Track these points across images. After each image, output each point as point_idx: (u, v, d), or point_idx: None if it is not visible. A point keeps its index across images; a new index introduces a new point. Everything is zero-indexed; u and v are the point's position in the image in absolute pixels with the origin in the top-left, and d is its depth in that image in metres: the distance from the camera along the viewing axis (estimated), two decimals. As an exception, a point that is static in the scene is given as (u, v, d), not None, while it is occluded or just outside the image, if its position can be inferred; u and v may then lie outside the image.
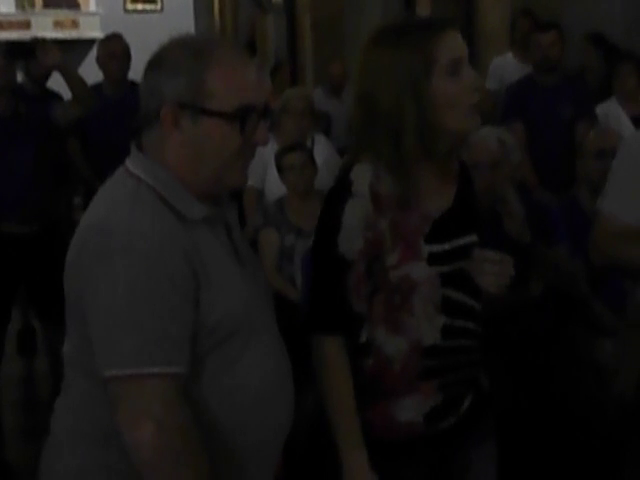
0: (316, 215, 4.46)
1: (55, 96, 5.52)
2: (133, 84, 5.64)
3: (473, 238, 2.15)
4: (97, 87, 5.50)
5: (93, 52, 12.13)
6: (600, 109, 5.23)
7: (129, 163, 1.84)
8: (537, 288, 3.35)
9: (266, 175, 4.85)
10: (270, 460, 1.93)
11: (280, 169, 4.44)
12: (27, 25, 13.20)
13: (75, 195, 6.26)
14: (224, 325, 1.78)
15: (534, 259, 3.32)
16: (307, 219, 4.27)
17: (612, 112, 5.17)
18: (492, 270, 2.03)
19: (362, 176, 2.05)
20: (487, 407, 2.25)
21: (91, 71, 6.11)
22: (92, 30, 13.68)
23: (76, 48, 12.89)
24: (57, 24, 13.84)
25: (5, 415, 4.70)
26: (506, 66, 6.33)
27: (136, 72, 5.78)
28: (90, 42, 13.21)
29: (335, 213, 2.05)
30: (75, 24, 14.14)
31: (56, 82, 5.46)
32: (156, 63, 1.81)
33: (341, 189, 2.08)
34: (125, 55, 5.58)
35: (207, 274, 1.76)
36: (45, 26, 13.28)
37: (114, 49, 5.56)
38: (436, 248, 2.08)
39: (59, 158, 5.12)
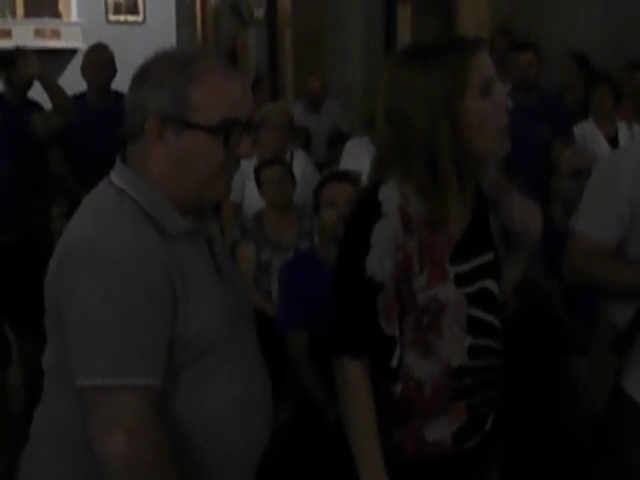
0: (293, 229, 4.47)
1: (35, 105, 5.50)
2: (117, 94, 5.65)
3: (490, 257, 2.16)
4: (81, 96, 5.52)
5: (74, 62, 12.11)
6: (577, 129, 5.29)
7: (113, 175, 1.85)
8: (512, 306, 3.37)
9: (245, 189, 4.86)
10: (246, 475, 1.94)
11: (259, 182, 4.46)
12: (8, 34, 13.14)
13: (54, 205, 6.23)
14: (201, 339, 1.78)
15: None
16: (284, 233, 4.29)
17: (589, 132, 5.23)
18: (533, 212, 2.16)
19: (391, 197, 2.03)
20: (503, 426, 2.25)
21: (72, 81, 6.13)
22: (73, 40, 13.65)
23: (57, 58, 12.86)
24: (38, 33, 13.78)
25: (-22, 425, 4.68)
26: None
27: (117, 83, 5.80)
28: (71, 52, 13.21)
29: (363, 235, 2.02)
30: (56, 34, 14.08)
31: (38, 93, 5.46)
32: (141, 77, 1.82)
33: (369, 210, 2.05)
34: (107, 64, 5.59)
35: (186, 288, 1.76)
36: (26, 35, 13.23)
37: (96, 58, 5.58)
38: (460, 269, 2.08)
39: (38, 168, 5.11)
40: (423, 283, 2.03)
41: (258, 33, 11.97)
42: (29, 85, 5.51)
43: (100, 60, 5.57)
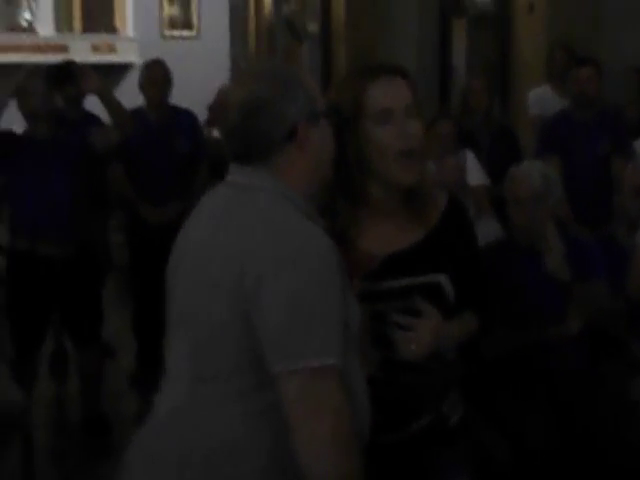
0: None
1: (93, 118, 5.57)
2: (175, 109, 5.72)
3: (434, 278, 2.18)
4: (139, 111, 5.56)
5: (130, 77, 12.21)
6: (638, 144, 5.21)
7: (254, 181, 1.91)
8: (576, 325, 3.32)
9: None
10: None
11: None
12: (65, 49, 13.27)
13: (110, 218, 6.30)
14: (350, 327, 1.87)
15: (574, 296, 3.30)
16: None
17: (649, 148, 5.15)
18: (405, 337, 2.09)
19: None
20: (451, 441, 2.26)
21: (128, 95, 6.17)
22: (129, 55, 13.75)
23: (113, 72, 13.00)
24: (95, 48, 13.92)
25: (35, 436, 4.72)
26: (545, 97, 6.33)
27: (173, 97, 5.82)
28: (127, 67, 13.34)
29: None
30: (112, 49, 14.20)
31: (93, 103, 5.53)
32: (262, 99, 1.90)
33: None
34: (166, 80, 5.65)
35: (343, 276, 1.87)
36: (83, 50, 13.34)
37: (155, 75, 5.63)
38: (374, 286, 2.12)
39: (96, 182, 5.17)
40: None
41: (312, 49, 12.00)
42: (83, 98, 5.59)
43: (159, 76, 5.63)
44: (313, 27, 11.78)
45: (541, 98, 6.40)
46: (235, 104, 1.93)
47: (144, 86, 5.64)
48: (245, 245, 1.82)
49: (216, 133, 8.37)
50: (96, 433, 4.85)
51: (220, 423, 1.86)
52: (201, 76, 12.89)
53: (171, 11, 15.24)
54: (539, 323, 3.31)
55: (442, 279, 2.18)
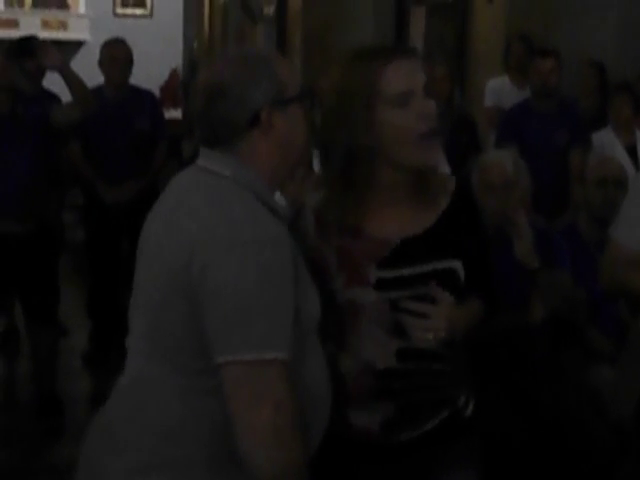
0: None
1: (52, 96, 5.50)
2: (134, 89, 5.67)
3: (448, 264, 2.14)
4: (97, 90, 5.50)
5: (81, 54, 12.04)
6: (595, 138, 5.28)
7: (216, 166, 1.89)
8: (539, 312, 3.36)
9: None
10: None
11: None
12: (15, 24, 13.10)
13: (66, 196, 6.24)
14: (305, 322, 1.86)
15: (540, 283, 3.33)
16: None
17: (607, 141, 5.22)
18: (420, 325, 2.06)
19: (311, 200, 2.15)
20: (465, 433, 2.24)
21: (80, 73, 6.08)
22: (80, 32, 13.64)
23: (63, 49, 12.85)
24: (45, 24, 13.76)
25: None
26: (503, 89, 6.38)
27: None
28: (78, 44, 13.19)
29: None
30: (63, 25, 14.06)
31: (49, 82, 5.45)
32: (226, 83, 1.89)
33: (295, 211, 2.17)
34: (127, 60, 5.61)
35: (297, 270, 1.85)
36: (33, 26, 13.17)
37: (117, 53, 5.58)
38: (389, 274, 2.09)
39: (54, 159, 5.11)
40: (340, 285, 2.10)
41: (267, 31, 11.95)
42: (43, 74, 5.52)
43: (121, 55, 5.58)
44: (268, 9, 11.72)
45: (498, 89, 6.45)
46: (200, 88, 1.93)
47: (105, 65, 5.57)
48: (195, 231, 1.81)
49: (168, 113, 8.33)
50: (49, 413, 4.81)
51: (164, 403, 1.87)
52: (153, 56, 12.80)
53: (124, -12, 15.09)
54: (506, 311, 3.34)
55: (457, 265, 2.15)
